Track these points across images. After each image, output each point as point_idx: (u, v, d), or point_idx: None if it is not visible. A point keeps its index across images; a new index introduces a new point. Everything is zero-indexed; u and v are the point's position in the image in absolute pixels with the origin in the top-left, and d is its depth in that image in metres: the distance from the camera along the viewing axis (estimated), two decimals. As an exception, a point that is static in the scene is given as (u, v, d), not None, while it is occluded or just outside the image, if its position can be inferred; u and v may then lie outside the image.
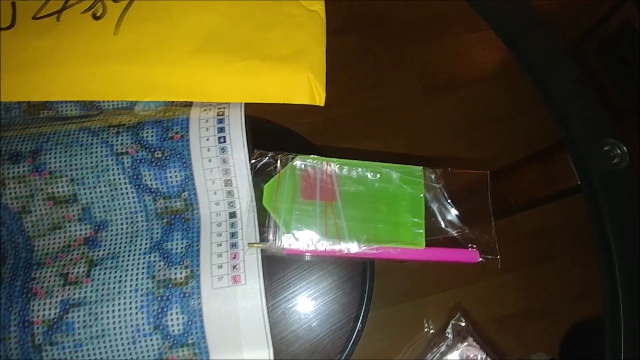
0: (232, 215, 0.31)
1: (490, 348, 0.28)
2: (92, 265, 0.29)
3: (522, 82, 0.43)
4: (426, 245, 0.30)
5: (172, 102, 0.34)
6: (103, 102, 0.34)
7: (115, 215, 0.31)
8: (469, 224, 0.32)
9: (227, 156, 0.31)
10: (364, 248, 0.30)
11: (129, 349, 0.28)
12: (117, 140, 0.31)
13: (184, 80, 0.34)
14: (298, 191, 0.31)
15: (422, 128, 0.42)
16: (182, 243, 0.30)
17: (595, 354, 0.34)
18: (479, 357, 0.27)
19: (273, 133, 0.36)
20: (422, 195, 0.32)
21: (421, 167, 0.32)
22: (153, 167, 0.31)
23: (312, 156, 0.31)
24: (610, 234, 0.35)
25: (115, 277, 0.29)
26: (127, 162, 0.31)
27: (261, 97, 0.34)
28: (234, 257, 0.30)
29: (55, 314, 0.28)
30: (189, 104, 0.34)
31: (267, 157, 0.31)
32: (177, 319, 0.28)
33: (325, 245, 0.30)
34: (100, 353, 0.28)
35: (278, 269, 0.31)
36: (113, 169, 0.31)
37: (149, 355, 0.28)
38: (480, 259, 0.31)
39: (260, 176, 0.31)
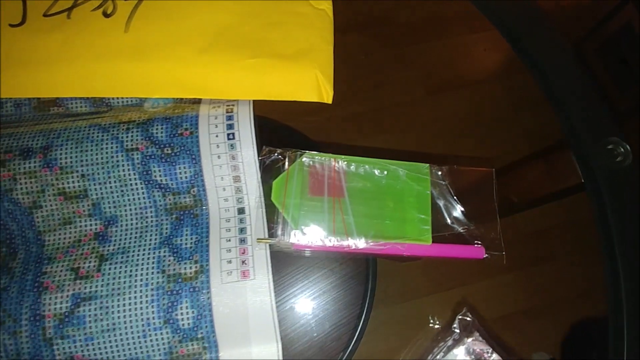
0: (241, 211, 0.31)
1: (495, 343, 0.28)
2: (102, 260, 0.29)
3: (523, 82, 0.43)
4: (432, 242, 0.31)
5: (181, 99, 0.34)
6: (112, 98, 0.34)
7: (125, 210, 0.31)
8: (475, 220, 0.32)
9: (236, 153, 0.32)
10: (371, 244, 0.30)
11: (140, 342, 0.28)
12: (127, 137, 0.31)
13: (192, 77, 0.34)
14: (306, 187, 0.31)
15: (425, 127, 0.43)
16: (191, 238, 0.30)
17: (596, 354, 0.34)
18: (485, 352, 0.28)
19: (274, 131, 0.36)
20: (428, 192, 0.32)
21: (428, 165, 0.32)
22: (163, 163, 0.31)
23: (320, 153, 0.32)
24: (613, 232, 0.35)
25: (125, 271, 0.29)
26: (137, 158, 0.31)
27: (269, 95, 0.34)
28: (243, 253, 0.30)
29: (66, 307, 0.28)
30: (197, 101, 0.34)
31: (276, 154, 0.31)
32: (187, 313, 0.29)
33: (333, 241, 0.30)
34: (111, 346, 0.28)
35: (280, 267, 0.31)
36: (123, 165, 0.31)
37: (159, 349, 0.28)
38: (486, 255, 0.31)
39: (269, 172, 0.31)
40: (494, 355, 0.27)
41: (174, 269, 0.29)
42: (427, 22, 0.47)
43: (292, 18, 0.36)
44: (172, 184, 0.31)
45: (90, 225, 0.31)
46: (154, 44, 0.34)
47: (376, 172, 0.32)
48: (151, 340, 0.28)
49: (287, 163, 0.31)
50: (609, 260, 0.36)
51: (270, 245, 0.30)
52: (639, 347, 0.33)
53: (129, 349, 0.28)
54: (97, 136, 0.31)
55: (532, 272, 0.37)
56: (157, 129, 0.32)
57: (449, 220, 0.32)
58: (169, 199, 0.31)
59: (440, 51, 0.45)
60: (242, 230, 0.31)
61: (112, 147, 0.31)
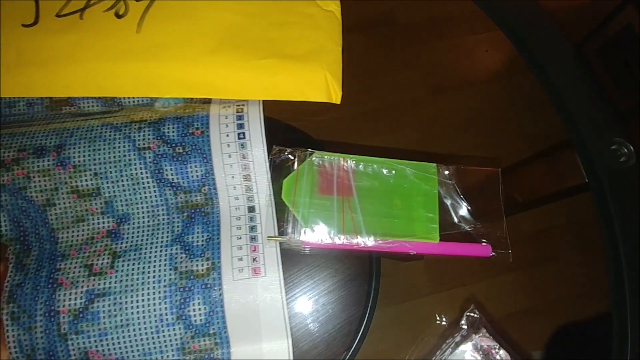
0: (251, 209, 0.32)
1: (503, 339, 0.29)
2: (115, 257, 0.30)
3: (524, 83, 0.44)
4: (440, 240, 0.31)
5: (191, 98, 0.35)
6: (124, 98, 0.35)
7: (137, 208, 0.32)
8: (481, 219, 0.33)
9: (247, 152, 0.32)
10: (379, 242, 0.30)
11: (153, 338, 0.28)
12: (139, 136, 0.32)
13: (203, 77, 0.34)
14: (315, 186, 0.31)
15: (428, 127, 0.43)
16: (202, 236, 0.31)
17: (598, 353, 0.34)
18: (492, 348, 0.28)
19: (279, 131, 0.36)
20: (436, 191, 0.32)
21: (435, 164, 0.33)
22: (174, 162, 0.32)
23: (329, 152, 0.32)
24: (617, 232, 0.36)
25: (138, 268, 0.30)
26: (149, 157, 0.31)
27: (279, 95, 0.34)
28: (254, 250, 0.31)
29: (80, 303, 0.28)
30: (207, 101, 0.34)
31: (286, 153, 0.32)
32: (199, 309, 0.29)
33: (342, 239, 0.30)
34: (125, 342, 0.28)
35: (285, 267, 0.31)
36: (135, 164, 0.31)
37: (171, 345, 0.29)
38: (493, 254, 0.31)
39: (278, 172, 0.32)
40: (502, 352, 0.28)
41: (186, 266, 0.30)
42: (429, 23, 0.47)
43: (301, 19, 0.36)
44: (183, 183, 0.32)
45: (103, 222, 0.31)
46: (165, 45, 0.35)
47: (384, 171, 0.33)
48: (164, 336, 0.29)
49: (296, 162, 0.32)
50: (612, 260, 0.36)
51: (280, 243, 0.31)
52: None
53: (142, 345, 0.28)
54: (110, 135, 0.32)
55: (533, 272, 0.37)
56: (168, 128, 0.32)
57: (455, 219, 0.32)
58: (181, 198, 0.32)
59: (443, 52, 0.46)
60: (252, 229, 0.31)
61: (124, 146, 0.32)
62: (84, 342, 0.28)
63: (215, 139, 0.32)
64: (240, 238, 0.31)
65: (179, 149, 0.32)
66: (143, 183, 0.31)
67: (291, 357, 0.29)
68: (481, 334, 0.28)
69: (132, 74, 0.34)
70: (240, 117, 0.33)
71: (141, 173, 0.31)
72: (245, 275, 0.30)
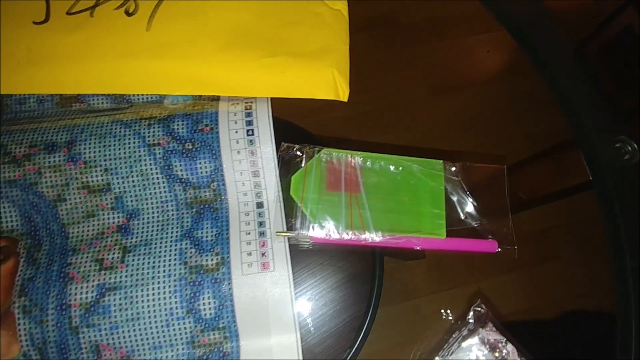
0: (259, 205, 0.32)
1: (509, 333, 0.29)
2: (125, 252, 0.30)
3: (526, 83, 0.44)
4: (447, 236, 0.32)
5: (200, 96, 0.35)
6: (133, 95, 0.35)
7: (147, 204, 0.32)
8: (487, 216, 0.33)
9: (255, 148, 0.32)
10: (387, 237, 0.31)
11: (163, 331, 0.29)
12: (149, 132, 0.32)
13: (212, 75, 0.35)
14: (324, 183, 0.32)
15: (432, 127, 0.43)
16: (211, 231, 0.31)
17: (598, 353, 0.34)
18: (499, 341, 0.29)
19: (281, 130, 0.37)
20: (442, 187, 0.33)
21: (441, 161, 0.33)
22: (184, 158, 0.32)
23: (337, 149, 0.32)
24: (621, 229, 0.36)
25: (148, 263, 0.30)
26: (159, 153, 0.32)
27: (287, 92, 0.35)
28: (263, 245, 0.31)
29: (92, 297, 0.29)
30: (216, 98, 0.35)
31: (294, 150, 0.32)
32: (209, 303, 0.29)
33: (350, 235, 0.31)
34: (135, 335, 0.29)
35: None
36: (145, 160, 0.32)
37: (181, 338, 0.29)
38: (499, 249, 0.32)
39: (287, 168, 0.32)
40: (509, 346, 0.28)
41: (196, 261, 0.30)
42: (431, 24, 0.48)
43: (308, 18, 0.37)
44: (192, 179, 0.32)
45: (113, 218, 0.31)
46: (175, 43, 0.35)
47: (391, 168, 0.33)
48: (174, 330, 0.29)
49: (304, 159, 0.32)
50: (616, 258, 0.36)
51: (288, 238, 0.31)
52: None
53: (153, 338, 0.29)
54: (120, 131, 0.32)
55: (533, 272, 0.38)
56: (178, 125, 0.33)
57: (462, 215, 0.33)
58: (190, 193, 0.32)
59: (444, 52, 0.46)
60: (261, 224, 0.32)
61: (134, 142, 0.32)
62: (95, 336, 0.28)
63: (224, 136, 0.32)
64: (249, 233, 0.31)
65: (188, 145, 0.32)
66: (153, 179, 0.32)
67: (299, 351, 0.30)
68: (488, 328, 0.29)
69: (142, 72, 0.34)
70: (248, 114, 0.33)
71: (151, 169, 0.32)
72: (254, 270, 0.30)
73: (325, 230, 0.31)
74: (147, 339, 0.29)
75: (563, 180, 0.41)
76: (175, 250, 0.30)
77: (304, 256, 0.33)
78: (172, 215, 0.32)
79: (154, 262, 0.30)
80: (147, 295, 0.29)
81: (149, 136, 0.32)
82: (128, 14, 0.35)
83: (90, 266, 0.29)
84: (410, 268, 0.38)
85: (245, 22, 0.36)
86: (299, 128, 0.36)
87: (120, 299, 0.29)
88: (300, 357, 0.29)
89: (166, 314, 0.29)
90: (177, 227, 0.31)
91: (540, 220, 0.40)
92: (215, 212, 0.32)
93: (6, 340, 0.28)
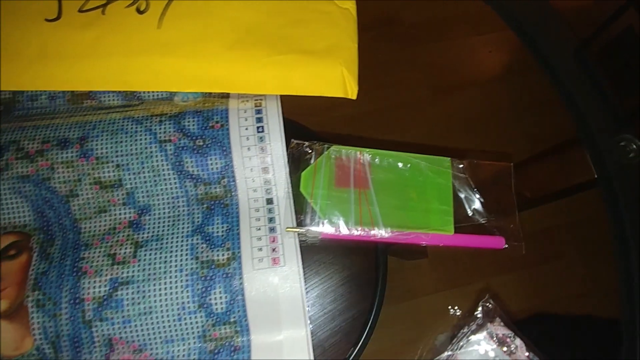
0: (269, 201, 0.33)
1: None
2: (137, 247, 0.30)
3: (530, 82, 0.45)
4: (454, 232, 0.32)
5: (210, 93, 0.35)
6: (144, 92, 0.35)
7: (158, 200, 0.32)
8: (494, 213, 0.33)
9: (265, 145, 0.33)
10: (396, 233, 0.31)
11: (175, 325, 0.29)
12: (160, 129, 0.33)
13: (222, 72, 0.35)
14: (333, 179, 0.32)
15: (438, 125, 0.44)
16: (222, 227, 0.32)
17: (599, 353, 0.35)
18: (508, 336, 0.29)
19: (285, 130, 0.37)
20: (450, 184, 0.33)
21: (449, 158, 0.34)
22: (195, 155, 0.32)
23: (346, 146, 0.33)
24: (626, 227, 0.37)
25: (160, 257, 0.30)
26: (170, 150, 0.32)
27: (296, 90, 0.35)
28: (273, 241, 0.31)
29: (105, 291, 0.29)
30: (226, 95, 0.35)
31: (304, 147, 0.33)
32: (220, 298, 0.30)
33: (359, 231, 0.31)
34: (147, 329, 0.29)
35: None
36: (157, 156, 0.32)
37: (193, 332, 0.29)
38: (506, 245, 0.32)
39: (296, 165, 0.33)
40: (517, 340, 0.29)
41: (207, 256, 0.30)
42: (434, 24, 0.48)
43: (317, 16, 0.37)
44: (203, 175, 0.32)
45: (125, 213, 0.32)
46: (185, 41, 0.35)
47: (399, 165, 0.33)
48: (186, 324, 0.29)
49: (314, 156, 0.33)
50: (621, 256, 0.37)
51: (298, 234, 0.32)
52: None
53: (165, 332, 0.29)
54: (131, 128, 0.32)
55: (534, 272, 0.38)
56: (189, 122, 0.33)
57: (469, 212, 0.33)
58: (200, 189, 0.32)
59: (447, 52, 0.46)
60: (271, 220, 0.32)
61: (146, 139, 0.32)
62: (107, 329, 0.29)
63: (235, 133, 0.33)
64: (259, 229, 0.32)
65: (199, 142, 0.33)
66: (164, 175, 0.32)
67: (310, 346, 0.30)
68: (496, 323, 0.29)
69: (153, 69, 0.35)
70: (258, 112, 0.34)
71: (162, 165, 0.32)
72: (265, 265, 0.31)
73: (334, 226, 0.31)
74: (159, 332, 0.29)
75: (568, 178, 0.42)
76: (187, 245, 0.31)
77: (307, 255, 0.34)
78: (183, 210, 0.32)
79: (165, 257, 0.30)
80: (159, 289, 0.29)
81: (160, 133, 0.32)
82: (139, 12, 0.36)
83: (102, 261, 0.30)
84: (413, 267, 0.38)
85: (255, 20, 0.37)
86: (303, 127, 0.37)
87: (132, 293, 0.29)
88: (311, 352, 0.30)
89: (178, 308, 0.29)
90: (188, 223, 0.32)
91: (542, 220, 0.41)
92: (226, 207, 0.32)
93: (20, 334, 0.28)
